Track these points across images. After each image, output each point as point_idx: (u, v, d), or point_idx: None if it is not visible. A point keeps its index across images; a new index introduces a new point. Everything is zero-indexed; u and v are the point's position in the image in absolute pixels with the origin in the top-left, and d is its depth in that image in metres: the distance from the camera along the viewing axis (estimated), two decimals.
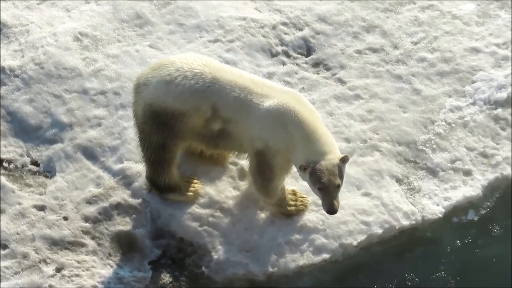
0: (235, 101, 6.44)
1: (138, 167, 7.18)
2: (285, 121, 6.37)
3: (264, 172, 6.57)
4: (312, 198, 7.04)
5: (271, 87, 6.54)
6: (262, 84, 6.53)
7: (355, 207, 7.07)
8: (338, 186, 6.27)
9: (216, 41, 8.26)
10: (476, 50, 8.30)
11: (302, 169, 6.28)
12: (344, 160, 6.29)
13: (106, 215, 7.00)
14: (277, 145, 6.43)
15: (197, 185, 7.06)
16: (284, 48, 8.29)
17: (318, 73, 8.12)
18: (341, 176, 6.28)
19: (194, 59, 6.60)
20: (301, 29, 8.43)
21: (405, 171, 7.40)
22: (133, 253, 6.83)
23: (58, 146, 7.39)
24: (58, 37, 8.13)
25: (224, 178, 7.19)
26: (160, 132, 6.59)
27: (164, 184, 6.89)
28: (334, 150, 6.34)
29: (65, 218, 6.97)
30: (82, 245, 6.84)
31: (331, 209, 6.28)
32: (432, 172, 7.40)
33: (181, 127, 6.54)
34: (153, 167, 6.83)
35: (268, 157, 6.49)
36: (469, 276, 6.93)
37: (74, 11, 8.47)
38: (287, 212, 6.95)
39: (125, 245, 6.87)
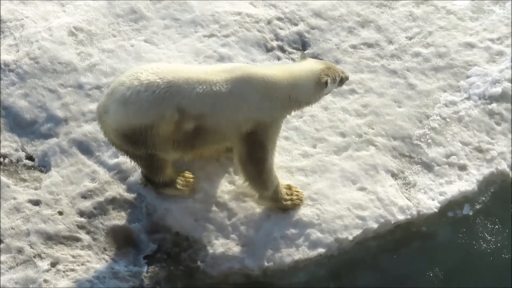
0: (199, 96, 6.34)
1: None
2: (258, 88, 6.41)
3: (257, 154, 6.50)
4: (308, 192, 7.05)
5: (222, 69, 6.48)
6: (215, 72, 6.44)
7: (350, 201, 7.07)
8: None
9: (211, 36, 8.25)
10: (470, 45, 8.31)
11: (331, 81, 6.62)
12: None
13: (101, 209, 6.99)
14: (266, 116, 6.46)
15: (193, 180, 7.05)
16: (279, 43, 8.29)
17: None
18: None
19: (142, 71, 6.41)
20: (296, 24, 8.43)
21: (400, 165, 7.40)
22: (129, 247, 6.82)
23: (53, 140, 7.38)
24: (53, 31, 8.12)
25: (219, 173, 7.18)
26: (139, 148, 6.50)
27: (159, 181, 6.89)
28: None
29: (60, 213, 6.96)
30: (77, 239, 6.83)
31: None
32: (428, 166, 7.41)
33: (154, 140, 6.39)
34: (148, 170, 6.82)
35: (261, 135, 6.46)
36: (464, 271, 6.95)
37: (69, 5, 8.46)
38: (282, 207, 6.94)
39: (121, 239, 6.86)
